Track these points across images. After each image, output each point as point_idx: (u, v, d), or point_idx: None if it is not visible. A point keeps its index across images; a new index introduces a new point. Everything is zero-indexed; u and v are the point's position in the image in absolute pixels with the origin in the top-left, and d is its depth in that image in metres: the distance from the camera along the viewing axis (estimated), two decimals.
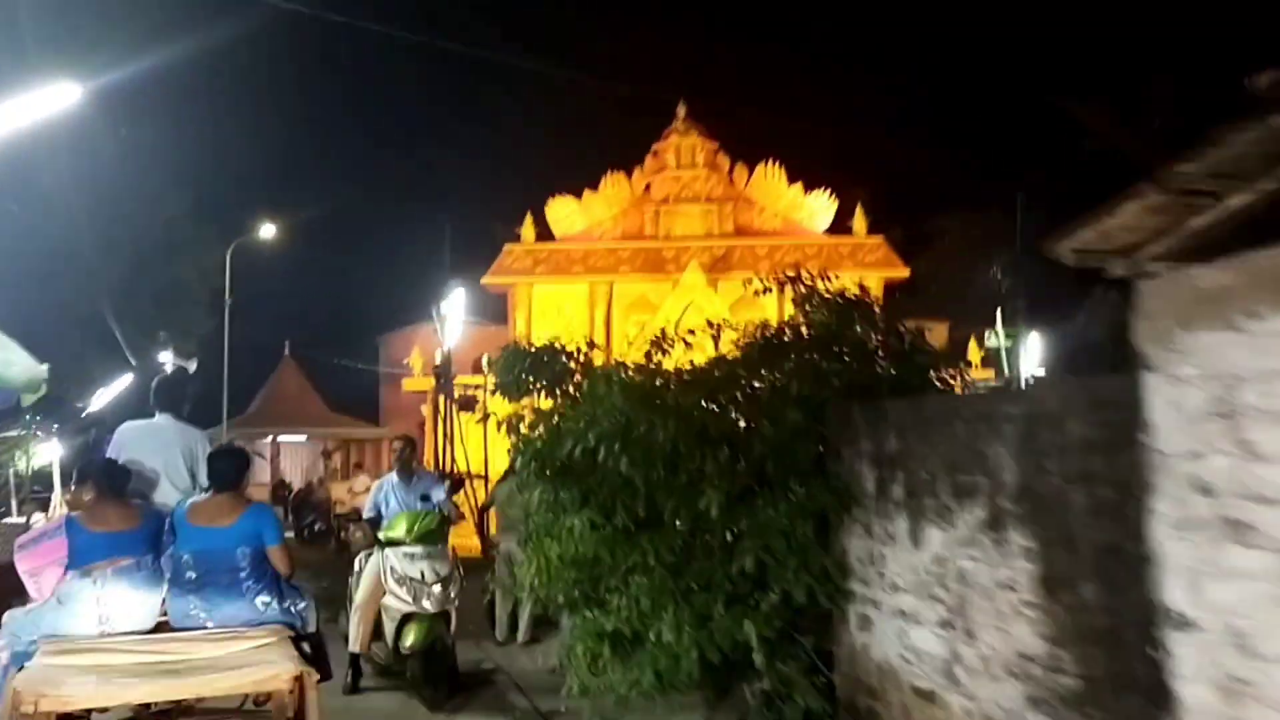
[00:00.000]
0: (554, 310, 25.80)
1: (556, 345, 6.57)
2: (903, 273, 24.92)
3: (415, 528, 7.58)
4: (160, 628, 5.13)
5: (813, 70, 39.28)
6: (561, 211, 26.53)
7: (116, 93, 16.79)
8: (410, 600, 7.36)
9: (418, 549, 7.47)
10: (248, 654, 4.84)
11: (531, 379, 6.46)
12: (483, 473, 17.67)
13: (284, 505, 30.84)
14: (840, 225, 25.81)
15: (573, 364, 6.49)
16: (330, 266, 43.96)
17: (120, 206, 25.04)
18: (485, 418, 6.86)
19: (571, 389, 6.39)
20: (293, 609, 5.26)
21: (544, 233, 26.30)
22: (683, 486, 5.61)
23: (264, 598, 5.15)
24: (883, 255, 25.04)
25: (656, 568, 5.58)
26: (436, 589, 7.40)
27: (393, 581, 7.42)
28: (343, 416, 35.68)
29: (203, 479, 5.82)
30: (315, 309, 42.17)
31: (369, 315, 41.07)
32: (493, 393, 6.79)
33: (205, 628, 5.04)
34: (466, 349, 29.85)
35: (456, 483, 9.75)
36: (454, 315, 17.46)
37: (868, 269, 24.99)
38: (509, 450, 6.50)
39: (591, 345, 6.72)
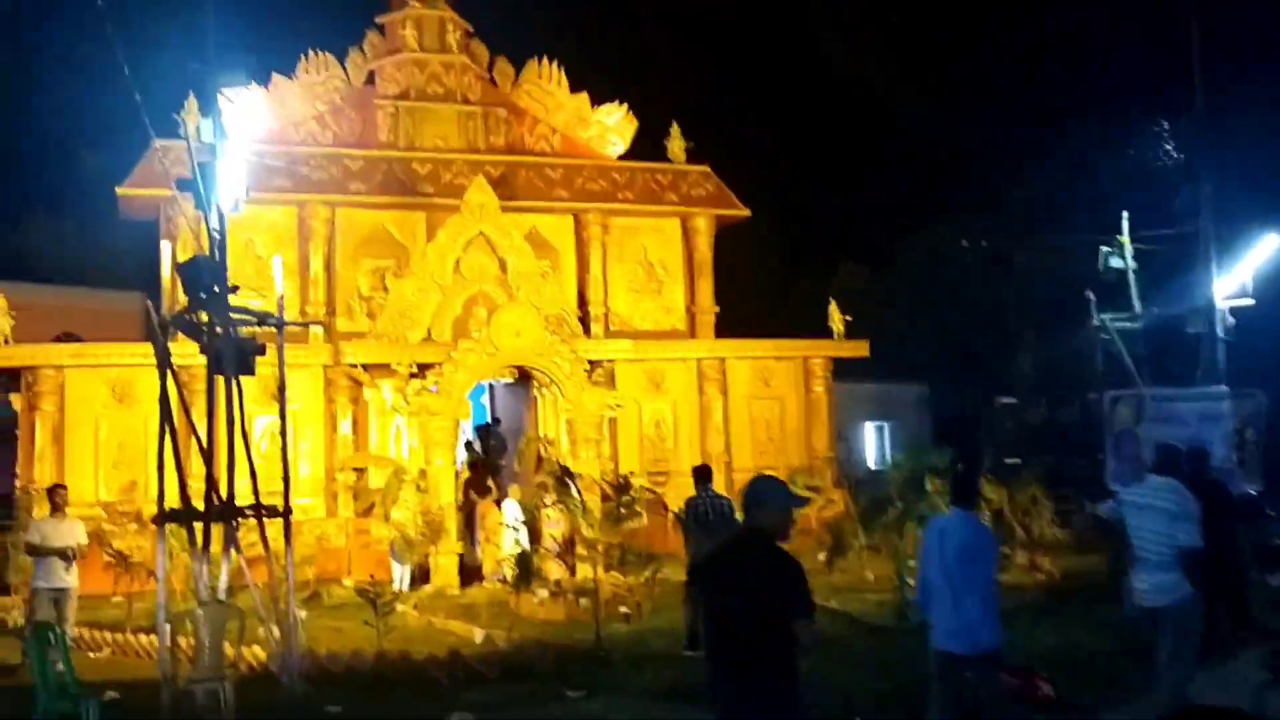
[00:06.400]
0: (239, 245, 16.57)
1: None
2: (741, 212, 18.85)
3: None
4: None
5: None
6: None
7: None
8: None
9: None
10: None
11: None
12: (282, 492, 8.41)
13: None
14: (641, 154, 19.21)
15: None
16: None
17: None
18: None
19: None
20: None
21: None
22: None
23: None
24: (713, 189, 18.81)
25: None
26: None
27: None
28: None
29: None
30: None
31: None
32: None
33: None
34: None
35: None
36: (239, 150, 7.74)
37: (694, 205, 18.73)
38: None
39: None
